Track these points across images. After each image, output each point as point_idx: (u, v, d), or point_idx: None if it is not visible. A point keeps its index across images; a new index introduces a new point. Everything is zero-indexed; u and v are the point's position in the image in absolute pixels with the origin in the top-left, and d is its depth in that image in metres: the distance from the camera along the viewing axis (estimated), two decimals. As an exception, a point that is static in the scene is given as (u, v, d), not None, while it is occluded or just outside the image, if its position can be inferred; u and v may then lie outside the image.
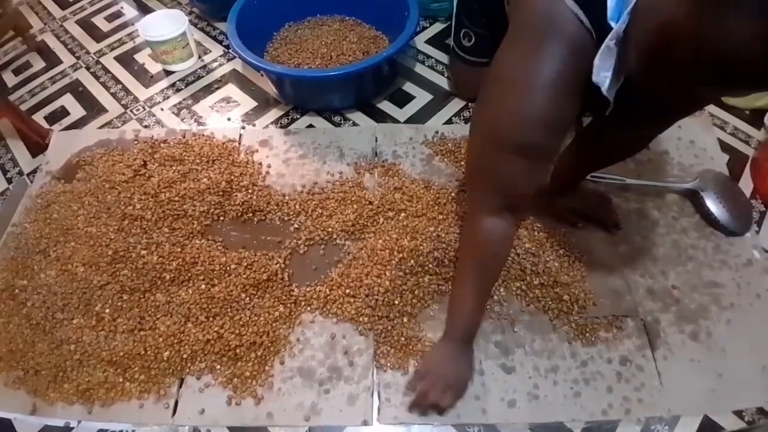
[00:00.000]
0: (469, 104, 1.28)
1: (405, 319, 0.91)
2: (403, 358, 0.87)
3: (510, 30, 0.66)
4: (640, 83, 0.57)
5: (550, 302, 0.91)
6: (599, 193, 1.04)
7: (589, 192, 1.03)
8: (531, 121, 0.62)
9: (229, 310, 0.92)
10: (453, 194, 1.05)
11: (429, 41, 1.45)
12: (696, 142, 1.15)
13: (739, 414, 0.82)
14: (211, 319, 0.91)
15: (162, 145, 1.18)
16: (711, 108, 1.22)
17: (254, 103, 1.33)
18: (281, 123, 1.27)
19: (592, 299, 0.91)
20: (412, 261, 0.94)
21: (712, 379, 0.84)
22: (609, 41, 0.56)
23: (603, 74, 0.58)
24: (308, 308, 0.93)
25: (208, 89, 1.37)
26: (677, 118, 0.82)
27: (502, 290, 0.93)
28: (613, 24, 0.56)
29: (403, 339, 0.89)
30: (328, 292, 0.94)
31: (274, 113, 1.30)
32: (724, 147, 1.15)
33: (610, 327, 0.89)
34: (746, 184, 1.09)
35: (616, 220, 1.00)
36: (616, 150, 0.89)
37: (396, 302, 0.91)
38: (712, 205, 1.01)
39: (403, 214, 1.02)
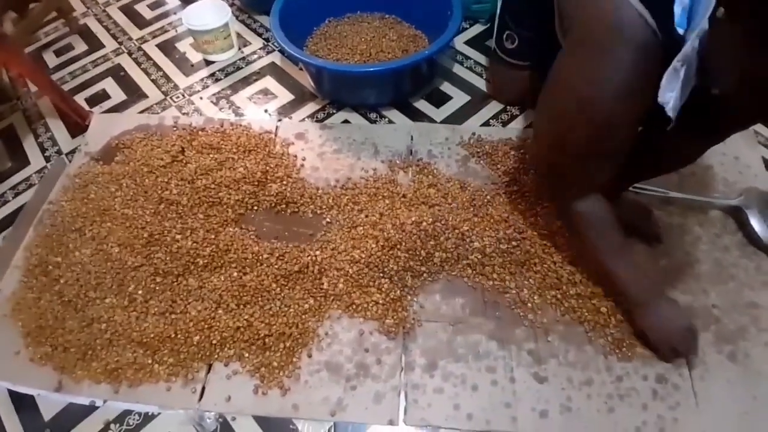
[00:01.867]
0: (507, 107, 1.26)
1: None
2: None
3: (574, 33, 0.65)
4: (730, 100, 0.57)
5: (586, 313, 0.89)
6: (641, 204, 1.01)
7: (631, 202, 1.00)
8: (597, 123, 0.64)
9: (259, 299, 0.92)
10: (489, 197, 1.04)
11: (468, 42, 1.44)
12: (740, 158, 1.12)
13: (770, 438, 0.79)
14: (241, 306, 0.91)
15: (200, 133, 1.19)
16: (756, 125, 1.19)
17: (291, 97, 1.33)
18: (317, 117, 1.27)
19: (630, 313, 0.89)
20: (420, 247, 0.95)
21: (747, 402, 0.81)
22: (676, 62, 0.55)
23: (668, 94, 0.58)
24: (336, 303, 0.92)
25: (247, 81, 1.38)
26: (735, 132, 0.80)
27: (536, 298, 0.91)
28: (680, 31, 0.55)
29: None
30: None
31: (310, 107, 1.30)
32: (769, 165, 1.12)
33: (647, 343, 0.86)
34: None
35: (658, 233, 0.98)
36: (666, 162, 0.87)
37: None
38: (757, 224, 0.98)
39: (437, 208, 1.01)
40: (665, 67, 0.57)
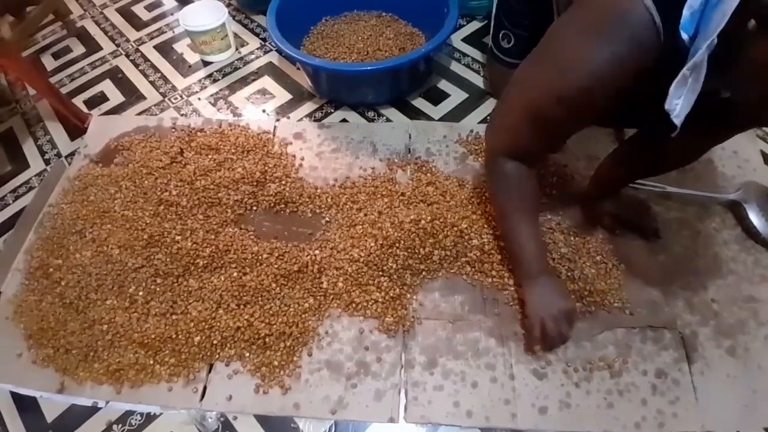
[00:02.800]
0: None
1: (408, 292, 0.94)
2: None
3: (577, 9, 0.65)
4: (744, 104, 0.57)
5: (584, 309, 0.89)
6: (639, 199, 1.02)
7: (629, 198, 1.00)
8: (565, 101, 0.65)
9: (259, 298, 0.92)
10: (487, 194, 1.04)
11: (465, 39, 1.44)
12: (739, 152, 1.12)
13: (769, 431, 0.79)
14: (242, 306, 0.91)
15: (198, 133, 1.20)
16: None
17: (289, 96, 1.33)
18: (315, 116, 1.28)
19: (629, 309, 0.89)
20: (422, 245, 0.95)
21: (746, 395, 0.81)
22: (686, 71, 0.55)
23: (675, 102, 0.57)
24: (336, 302, 0.92)
25: (245, 81, 1.38)
26: (738, 132, 0.80)
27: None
28: (684, 35, 0.55)
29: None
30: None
31: (308, 107, 1.30)
32: (767, 159, 1.12)
33: (646, 338, 0.87)
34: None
35: (656, 228, 0.98)
36: (669, 160, 0.87)
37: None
38: (755, 218, 0.98)
39: (435, 206, 1.01)
40: (659, 69, 0.57)
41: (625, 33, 0.58)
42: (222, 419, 0.83)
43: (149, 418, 0.84)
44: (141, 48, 1.51)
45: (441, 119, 1.24)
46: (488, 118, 1.06)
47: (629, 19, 0.57)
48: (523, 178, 0.80)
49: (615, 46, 0.58)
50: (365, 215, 1.02)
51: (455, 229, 0.96)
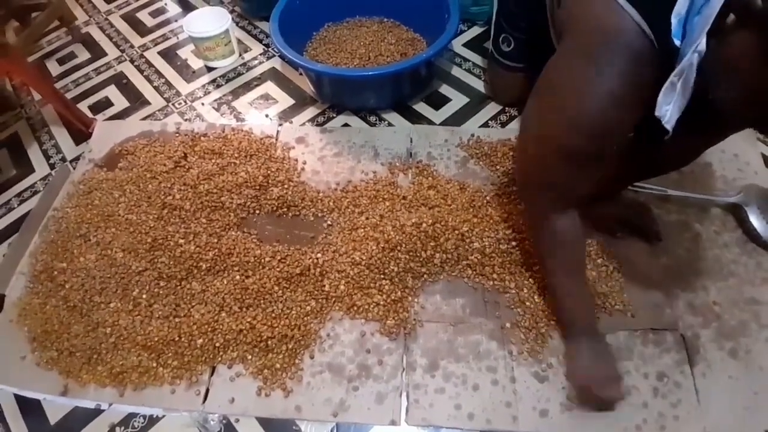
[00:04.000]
0: (506, 108, 1.27)
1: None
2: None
3: (568, 38, 0.65)
4: (730, 109, 0.56)
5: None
6: (640, 202, 1.02)
7: (630, 201, 1.01)
8: (585, 129, 0.63)
9: (262, 301, 0.93)
10: (488, 198, 1.04)
11: (467, 44, 1.45)
12: (740, 155, 1.12)
13: (770, 433, 0.79)
14: (244, 309, 0.92)
15: (202, 138, 1.21)
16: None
17: (292, 101, 1.34)
18: (317, 121, 1.29)
19: (631, 311, 0.89)
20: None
21: (748, 397, 0.81)
22: (673, 77, 0.55)
23: (665, 108, 0.58)
24: (338, 305, 0.93)
25: (248, 86, 1.39)
26: (734, 132, 0.80)
27: (536, 297, 0.91)
28: (676, 42, 0.55)
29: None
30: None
31: (310, 111, 1.31)
32: (768, 162, 1.12)
33: (648, 340, 0.87)
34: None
35: (657, 231, 0.98)
36: (665, 161, 0.87)
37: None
38: (756, 221, 0.98)
39: (437, 209, 1.02)
40: (661, 76, 0.58)
41: (621, 49, 0.58)
42: (224, 422, 0.84)
43: (152, 420, 0.85)
44: (145, 54, 1.53)
45: (442, 123, 1.25)
46: (513, 153, 1.04)
47: (622, 35, 0.58)
48: (577, 233, 0.77)
49: (617, 64, 0.58)
50: (367, 219, 1.02)
51: (456, 232, 0.96)
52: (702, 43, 0.52)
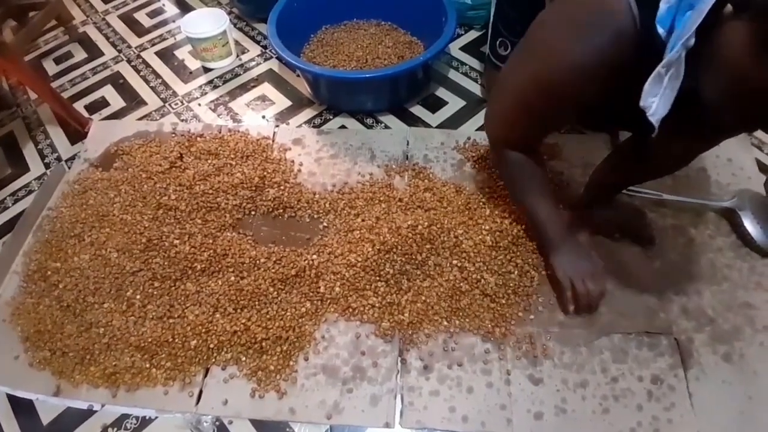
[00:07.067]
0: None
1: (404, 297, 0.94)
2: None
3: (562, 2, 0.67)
4: (719, 109, 0.56)
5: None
6: (634, 206, 1.02)
7: (625, 205, 1.01)
8: (546, 90, 0.68)
9: (256, 303, 0.92)
10: (484, 201, 1.04)
11: (463, 48, 1.45)
12: (734, 160, 1.13)
13: (766, 438, 0.79)
14: (239, 311, 0.91)
15: (198, 139, 1.20)
16: (750, 128, 1.20)
17: (289, 103, 1.34)
18: (314, 123, 1.29)
19: (625, 315, 0.89)
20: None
21: (742, 402, 0.82)
22: (661, 68, 0.55)
23: (650, 99, 0.58)
24: (333, 306, 0.93)
25: (245, 87, 1.39)
26: (727, 136, 0.80)
27: (530, 299, 0.92)
28: (660, 29, 0.55)
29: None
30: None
31: (307, 113, 1.31)
32: (762, 167, 1.12)
33: (642, 344, 0.87)
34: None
35: (652, 235, 0.98)
36: (660, 164, 0.87)
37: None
38: (750, 226, 0.99)
39: (432, 212, 1.02)
40: (641, 59, 0.58)
41: (609, 31, 0.59)
42: (217, 423, 0.83)
43: (144, 421, 0.84)
44: (142, 54, 1.53)
45: (439, 126, 1.25)
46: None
47: (614, 16, 0.58)
48: (528, 162, 0.84)
49: (596, 36, 0.60)
50: (363, 220, 1.02)
51: (452, 234, 0.96)
52: (691, 38, 0.52)
